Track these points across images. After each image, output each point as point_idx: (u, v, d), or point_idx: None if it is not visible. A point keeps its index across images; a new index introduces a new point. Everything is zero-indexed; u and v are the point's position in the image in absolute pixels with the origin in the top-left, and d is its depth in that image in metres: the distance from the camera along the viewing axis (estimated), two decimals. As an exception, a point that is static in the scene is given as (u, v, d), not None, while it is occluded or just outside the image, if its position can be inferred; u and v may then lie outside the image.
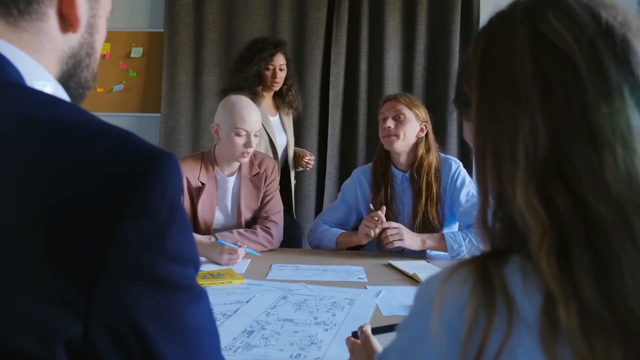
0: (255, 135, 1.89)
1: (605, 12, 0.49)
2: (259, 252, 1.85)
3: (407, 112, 1.92)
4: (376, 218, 1.84)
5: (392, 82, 3.03)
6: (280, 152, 2.52)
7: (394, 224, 1.83)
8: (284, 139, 2.56)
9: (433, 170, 1.92)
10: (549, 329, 0.45)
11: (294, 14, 3.08)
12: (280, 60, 2.47)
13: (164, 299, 0.45)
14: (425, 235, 1.85)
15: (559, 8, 0.50)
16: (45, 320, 0.41)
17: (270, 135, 2.47)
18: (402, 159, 1.97)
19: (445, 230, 1.93)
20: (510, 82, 0.50)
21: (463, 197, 1.91)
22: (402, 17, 3.04)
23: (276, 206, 2.00)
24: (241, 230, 1.92)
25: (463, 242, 1.82)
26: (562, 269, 0.45)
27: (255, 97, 2.38)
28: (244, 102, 1.90)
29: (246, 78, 2.42)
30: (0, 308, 0.41)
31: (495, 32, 0.54)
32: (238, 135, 1.86)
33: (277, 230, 1.96)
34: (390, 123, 1.92)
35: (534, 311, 0.46)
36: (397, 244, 1.80)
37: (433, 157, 1.94)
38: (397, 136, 1.91)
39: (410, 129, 1.92)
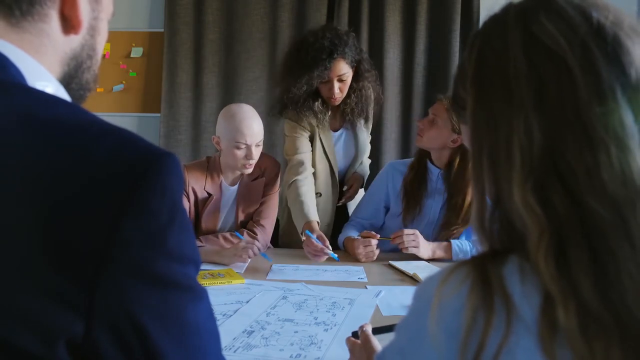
0: (257, 146, 1.85)
1: (597, 13, 0.50)
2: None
3: (443, 119, 1.84)
4: (373, 244, 1.81)
5: (392, 82, 3.03)
6: (340, 171, 2.13)
7: (410, 230, 1.82)
8: (350, 154, 2.14)
9: (464, 180, 1.84)
10: (547, 330, 0.45)
11: (294, 14, 3.08)
12: (339, 69, 1.87)
13: (165, 298, 0.45)
14: (435, 245, 1.85)
15: (550, 10, 0.51)
16: (47, 319, 0.41)
17: (329, 157, 2.05)
18: (435, 156, 1.94)
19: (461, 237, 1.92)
20: (504, 84, 0.50)
21: None
22: (402, 17, 3.04)
23: (268, 210, 1.98)
24: (226, 234, 1.92)
25: (469, 252, 1.85)
26: (561, 269, 0.45)
27: (318, 118, 1.95)
28: (243, 112, 1.84)
29: (295, 100, 1.91)
30: (1, 306, 0.41)
31: (489, 34, 0.54)
32: (238, 148, 1.82)
33: (264, 235, 1.95)
34: (422, 124, 1.90)
35: (532, 312, 0.46)
36: (412, 250, 1.80)
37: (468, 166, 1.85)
38: (422, 136, 1.90)
39: (436, 135, 1.87)
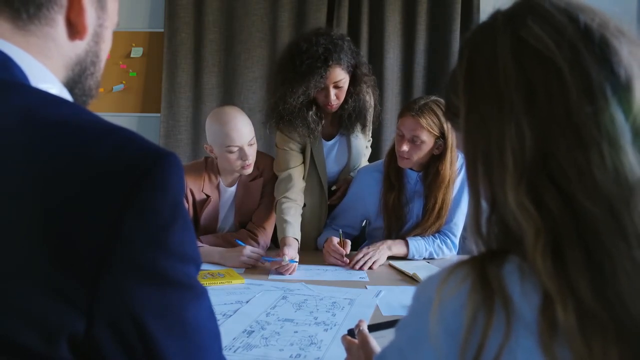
0: (250, 145, 1.83)
1: (583, 15, 0.50)
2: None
3: (426, 136, 1.77)
4: (340, 253, 1.79)
5: (392, 82, 3.03)
6: (330, 178, 2.08)
7: (366, 250, 1.80)
8: (342, 162, 2.06)
9: (444, 184, 1.84)
10: (547, 329, 0.45)
11: (294, 14, 3.08)
12: (335, 75, 1.79)
13: (166, 296, 0.46)
14: (390, 242, 1.86)
15: (537, 14, 0.51)
16: (48, 317, 0.41)
17: (319, 168, 2.00)
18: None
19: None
20: (494, 89, 0.51)
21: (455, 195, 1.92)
22: (402, 17, 3.04)
23: (267, 211, 1.97)
24: (227, 234, 1.92)
25: (424, 252, 1.88)
26: (558, 268, 0.46)
27: (310, 128, 1.87)
28: (227, 116, 1.82)
29: (290, 110, 1.84)
30: (4, 305, 0.41)
31: (478, 41, 0.55)
32: (230, 152, 1.80)
33: (265, 237, 1.95)
34: (406, 146, 1.79)
35: (531, 311, 0.46)
36: (367, 266, 1.79)
37: (446, 169, 1.82)
38: (410, 159, 1.83)
39: (424, 150, 1.81)
